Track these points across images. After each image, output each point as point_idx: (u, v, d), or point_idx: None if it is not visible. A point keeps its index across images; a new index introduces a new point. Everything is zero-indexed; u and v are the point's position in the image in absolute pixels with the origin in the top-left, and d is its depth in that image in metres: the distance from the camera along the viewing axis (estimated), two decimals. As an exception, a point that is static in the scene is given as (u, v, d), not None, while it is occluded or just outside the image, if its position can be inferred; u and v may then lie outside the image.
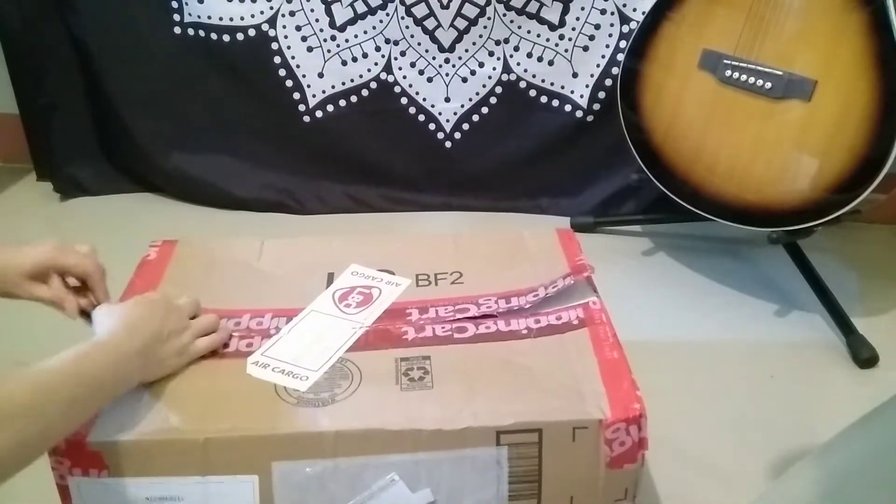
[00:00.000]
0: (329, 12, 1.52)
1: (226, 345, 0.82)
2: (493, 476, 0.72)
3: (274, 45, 1.54)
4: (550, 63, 1.54)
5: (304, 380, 0.76)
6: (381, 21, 1.52)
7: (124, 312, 0.75)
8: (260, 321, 0.85)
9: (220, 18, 1.52)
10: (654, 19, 1.35)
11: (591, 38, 1.52)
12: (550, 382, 0.77)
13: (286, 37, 1.54)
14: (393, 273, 0.93)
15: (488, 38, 1.53)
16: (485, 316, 0.86)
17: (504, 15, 1.50)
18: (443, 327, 0.84)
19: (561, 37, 1.52)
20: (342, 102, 1.59)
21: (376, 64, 1.56)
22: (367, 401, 0.74)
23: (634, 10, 1.48)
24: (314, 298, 0.89)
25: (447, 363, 0.79)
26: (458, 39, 1.54)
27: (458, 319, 0.85)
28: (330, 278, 0.92)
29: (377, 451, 0.71)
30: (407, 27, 1.52)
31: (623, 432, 0.72)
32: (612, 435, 0.72)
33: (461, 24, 1.52)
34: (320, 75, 1.57)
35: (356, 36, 1.54)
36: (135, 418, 0.71)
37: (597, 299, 0.88)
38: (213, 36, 1.53)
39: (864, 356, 1.21)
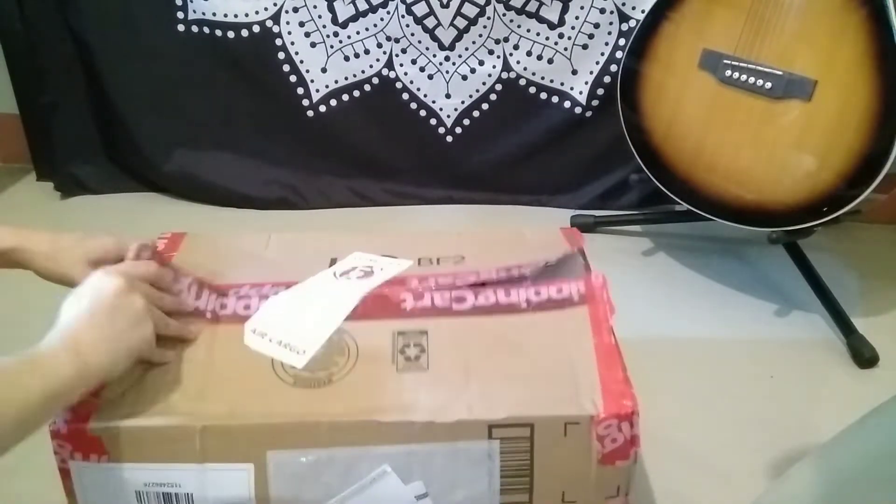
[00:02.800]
0: (331, 8, 1.52)
1: (223, 305, 0.81)
2: (484, 469, 0.72)
3: (278, 41, 1.54)
4: (550, 61, 1.55)
5: (301, 354, 0.76)
6: (381, 19, 1.53)
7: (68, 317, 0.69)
8: (259, 289, 0.85)
9: (225, 15, 1.52)
10: (654, 19, 1.35)
11: (591, 36, 1.52)
12: (546, 367, 0.76)
13: (290, 32, 1.54)
14: (395, 257, 0.93)
15: (488, 36, 1.54)
16: (484, 284, 0.85)
17: (504, 14, 1.51)
18: (441, 295, 0.83)
19: (560, 35, 1.53)
20: (345, 97, 1.59)
21: (378, 60, 1.57)
22: (362, 383, 0.74)
23: (633, 8, 1.49)
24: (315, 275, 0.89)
25: (444, 340, 0.78)
26: (458, 38, 1.54)
27: (458, 287, 0.84)
28: (332, 262, 0.92)
29: (371, 442, 0.71)
30: (407, 25, 1.53)
31: (615, 429, 0.71)
32: (604, 431, 0.71)
33: (461, 23, 1.52)
34: (324, 70, 1.57)
35: (358, 32, 1.54)
36: (135, 401, 0.71)
37: (599, 273, 0.86)
38: (218, 32, 1.53)
39: (864, 356, 1.21)
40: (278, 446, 0.71)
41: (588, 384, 0.74)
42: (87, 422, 0.69)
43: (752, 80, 1.23)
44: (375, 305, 0.82)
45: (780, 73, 1.20)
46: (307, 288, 0.85)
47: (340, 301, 0.82)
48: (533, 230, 1.01)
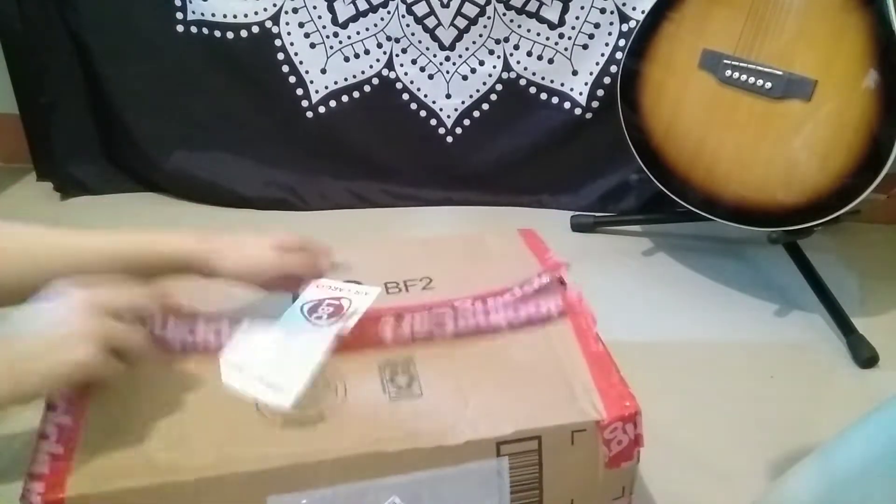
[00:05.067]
0: (331, 9, 1.52)
1: (192, 331, 0.77)
2: (494, 487, 0.71)
3: (277, 42, 1.54)
4: (550, 61, 1.55)
5: (287, 393, 0.71)
6: (382, 19, 1.53)
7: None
8: (218, 329, 0.79)
9: (224, 16, 1.52)
10: (655, 19, 1.35)
11: (591, 36, 1.52)
12: (540, 381, 0.76)
13: (289, 33, 1.54)
14: (360, 283, 0.88)
15: (488, 36, 1.54)
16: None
17: (504, 14, 1.51)
18: (421, 323, 0.81)
19: (561, 35, 1.52)
20: (345, 98, 1.59)
21: (378, 61, 1.56)
22: (357, 417, 0.71)
23: (634, 8, 1.49)
24: (280, 314, 0.83)
25: (432, 366, 0.77)
26: (459, 38, 1.54)
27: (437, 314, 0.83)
28: (294, 295, 0.87)
29: (375, 475, 0.69)
30: (408, 25, 1.53)
31: (620, 431, 0.71)
32: (610, 435, 0.71)
33: (461, 22, 1.52)
34: (323, 71, 1.57)
35: (358, 33, 1.54)
36: (111, 455, 0.66)
37: (575, 287, 0.86)
38: (217, 33, 1.53)
39: (864, 356, 1.21)
40: (278, 490, 0.67)
41: (585, 391, 0.74)
42: (64, 491, 0.62)
43: (752, 80, 1.23)
44: (355, 338, 0.79)
45: (780, 73, 1.20)
46: (280, 329, 0.80)
47: (318, 339, 0.77)
48: (493, 237, 1.01)
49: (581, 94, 1.57)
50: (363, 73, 1.57)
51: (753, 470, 1.01)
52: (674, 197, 1.35)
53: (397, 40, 1.55)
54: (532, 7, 1.50)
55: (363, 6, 1.52)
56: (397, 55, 1.56)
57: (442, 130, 1.62)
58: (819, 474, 0.62)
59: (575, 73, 1.56)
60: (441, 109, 1.61)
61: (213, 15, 1.52)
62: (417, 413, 0.72)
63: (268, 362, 0.75)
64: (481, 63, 1.56)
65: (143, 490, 0.64)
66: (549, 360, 0.78)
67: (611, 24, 1.51)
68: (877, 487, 0.57)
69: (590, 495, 0.74)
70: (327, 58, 1.56)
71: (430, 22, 1.52)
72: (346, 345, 0.78)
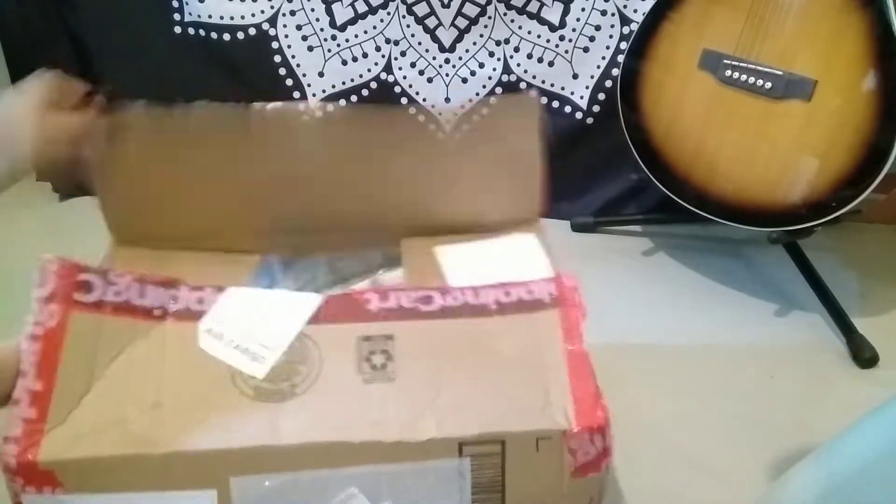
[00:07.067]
0: (329, 11, 1.52)
1: (174, 298, 0.77)
2: (455, 487, 0.71)
3: (274, 45, 1.54)
4: (551, 64, 1.54)
5: (261, 361, 0.73)
6: (381, 20, 1.52)
7: None
8: (201, 297, 0.80)
9: (221, 17, 1.52)
10: (655, 19, 1.35)
11: (592, 38, 1.52)
12: (517, 378, 0.75)
13: (287, 36, 1.54)
14: None
15: (489, 37, 1.53)
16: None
17: (505, 14, 1.50)
18: (408, 295, 0.80)
19: (561, 37, 1.52)
20: (342, 102, 1.59)
21: (376, 64, 1.56)
22: (327, 397, 0.72)
23: (635, 11, 1.48)
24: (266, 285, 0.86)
25: (411, 346, 0.76)
26: (459, 39, 1.54)
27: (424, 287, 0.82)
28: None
29: (339, 464, 0.69)
30: (408, 26, 1.52)
31: (587, 442, 0.70)
32: (576, 444, 0.70)
33: (462, 23, 1.52)
34: (321, 74, 1.57)
35: (356, 35, 1.54)
36: (84, 419, 0.68)
37: (571, 274, 0.83)
38: (214, 35, 1.53)
39: (864, 356, 1.21)
40: (242, 471, 0.68)
41: (559, 395, 0.73)
42: (37, 454, 0.65)
43: (752, 80, 1.23)
44: (339, 306, 0.78)
45: (780, 73, 1.20)
46: (262, 294, 0.82)
47: (301, 302, 0.78)
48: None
49: (582, 97, 1.56)
50: (361, 76, 1.57)
51: (753, 470, 1.01)
52: (674, 197, 1.35)
53: (396, 43, 1.54)
54: (533, 7, 1.50)
55: (362, 8, 1.51)
56: (396, 58, 1.56)
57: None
58: (819, 474, 0.62)
59: (575, 76, 1.55)
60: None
61: (210, 17, 1.52)
62: (386, 400, 0.72)
63: (247, 330, 0.76)
64: (481, 65, 1.56)
65: (113, 459, 0.66)
66: (530, 355, 0.76)
67: (612, 26, 1.50)
68: (877, 487, 0.57)
69: (554, 503, 0.73)
70: (325, 61, 1.56)
71: (431, 22, 1.52)
72: (328, 315, 0.78)
